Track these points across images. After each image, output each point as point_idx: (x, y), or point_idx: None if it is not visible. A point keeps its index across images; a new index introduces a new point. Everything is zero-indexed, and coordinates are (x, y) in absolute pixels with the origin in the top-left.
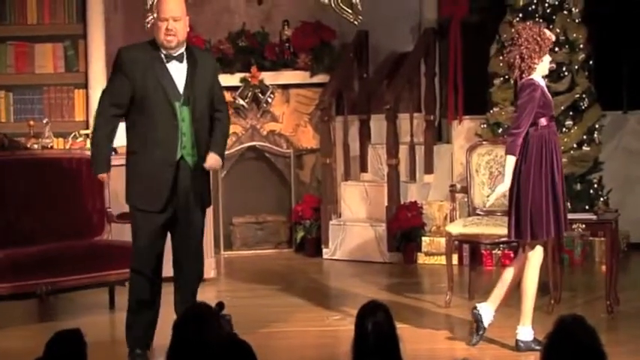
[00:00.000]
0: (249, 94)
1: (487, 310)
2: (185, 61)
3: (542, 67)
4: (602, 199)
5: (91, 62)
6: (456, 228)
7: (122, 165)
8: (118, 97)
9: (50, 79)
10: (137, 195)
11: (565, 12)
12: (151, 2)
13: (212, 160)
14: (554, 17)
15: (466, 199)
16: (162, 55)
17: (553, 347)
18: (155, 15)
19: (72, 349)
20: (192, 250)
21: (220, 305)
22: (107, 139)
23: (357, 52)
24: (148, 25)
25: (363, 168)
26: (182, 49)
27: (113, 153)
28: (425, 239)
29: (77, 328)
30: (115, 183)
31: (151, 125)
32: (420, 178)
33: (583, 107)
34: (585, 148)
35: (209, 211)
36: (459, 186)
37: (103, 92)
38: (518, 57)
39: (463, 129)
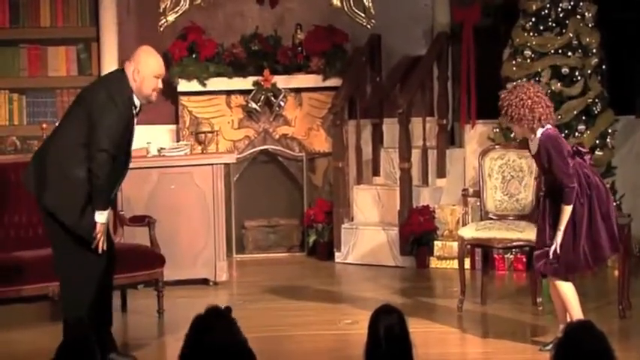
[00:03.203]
0: (262, 97)
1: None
2: None
3: None
4: (614, 204)
5: (103, 65)
6: (469, 232)
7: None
8: (113, 146)
9: (63, 82)
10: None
11: (578, 16)
12: (164, 6)
13: None
14: (567, 22)
15: (478, 204)
16: (134, 108)
17: (562, 353)
18: (141, 66)
19: (83, 352)
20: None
21: (227, 309)
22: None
23: (370, 55)
24: (161, 29)
25: (376, 172)
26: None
27: None
28: (437, 243)
29: (88, 332)
30: (128, 186)
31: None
32: (433, 182)
33: (596, 112)
34: (598, 152)
35: (221, 214)
36: (471, 190)
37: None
38: None
39: (476, 133)
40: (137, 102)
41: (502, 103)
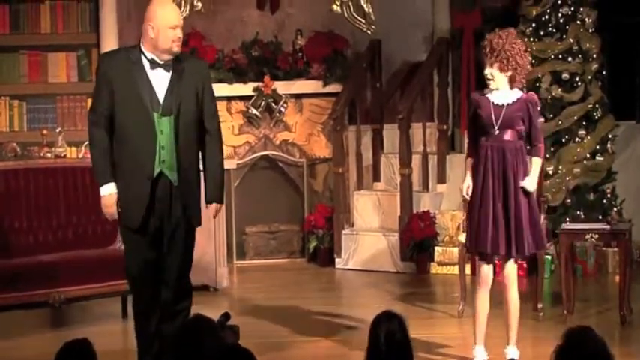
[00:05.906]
0: (262, 103)
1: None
2: (171, 69)
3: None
4: (615, 209)
5: None
6: None
7: None
8: (101, 107)
9: (63, 88)
10: (121, 210)
11: (578, 22)
12: None
13: (213, 211)
14: (567, 27)
15: None
16: (147, 62)
17: (562, 359)
18: (155, 21)
19: (81, 358)
20: (170, 276)
21: (226, 315)
22: (103, 151)
23: (370, 61)
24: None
25: (376, 177)
26: (170, 57)
27: None
28: (437, 249)
29: (85, 338)
30: None
31: (128, 137)
32: (433, 187)
33: (596, 117)
34: (598, 158)
35: (221, 220)
36: None
37: (91, 104)
38: None
39: None
40: (149, 55)
41: (508, 52)
